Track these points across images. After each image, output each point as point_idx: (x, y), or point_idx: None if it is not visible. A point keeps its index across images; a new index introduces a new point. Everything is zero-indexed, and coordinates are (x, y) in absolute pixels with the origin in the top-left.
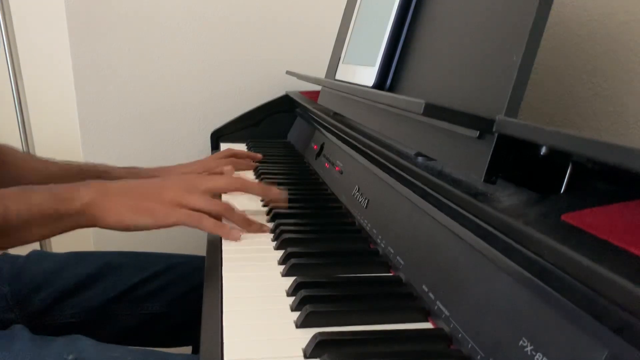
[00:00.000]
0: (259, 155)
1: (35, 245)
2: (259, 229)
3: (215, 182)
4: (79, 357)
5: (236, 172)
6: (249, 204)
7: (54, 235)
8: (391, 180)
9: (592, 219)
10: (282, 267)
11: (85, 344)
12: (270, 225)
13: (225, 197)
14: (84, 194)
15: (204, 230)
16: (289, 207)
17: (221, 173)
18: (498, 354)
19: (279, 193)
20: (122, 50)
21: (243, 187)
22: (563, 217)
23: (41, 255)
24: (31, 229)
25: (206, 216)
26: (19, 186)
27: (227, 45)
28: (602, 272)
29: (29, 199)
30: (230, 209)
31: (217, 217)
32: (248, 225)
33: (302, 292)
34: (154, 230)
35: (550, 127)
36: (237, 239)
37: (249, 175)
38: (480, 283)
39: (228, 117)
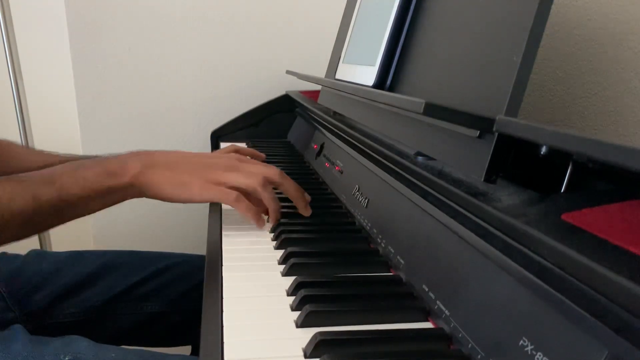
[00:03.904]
0: (263, 155)
1: (34, 245)
2: (276, 214)
3: (258, 168)
4: (76, 357)
5: None
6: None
7: (107, 207)
8: (391, 180)
9: (592, 219)
10: (282, 266)
11: (81, 344)
12: (270, 224)
13: None
14: (132, 166)
15: (237, 210)
16: (289, 207)
17: None
18: (498, 354)
19: (305, 205)
20: (123, 49)
21: (281, 185)
22: (563, 217)
23: (40, 255)
24: (87, 204)
25: (243, 198)
26: (71, 162)
27: (227, 45)
28: (602, 271)
29: (83, 176)
30: (265, 184)
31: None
32: (275, 204)
33: (302, 292)
34: (153, 229)
35: (550, 126)
36: (262, 226)
37: None
38: (481, 283)
39: (228, 117)
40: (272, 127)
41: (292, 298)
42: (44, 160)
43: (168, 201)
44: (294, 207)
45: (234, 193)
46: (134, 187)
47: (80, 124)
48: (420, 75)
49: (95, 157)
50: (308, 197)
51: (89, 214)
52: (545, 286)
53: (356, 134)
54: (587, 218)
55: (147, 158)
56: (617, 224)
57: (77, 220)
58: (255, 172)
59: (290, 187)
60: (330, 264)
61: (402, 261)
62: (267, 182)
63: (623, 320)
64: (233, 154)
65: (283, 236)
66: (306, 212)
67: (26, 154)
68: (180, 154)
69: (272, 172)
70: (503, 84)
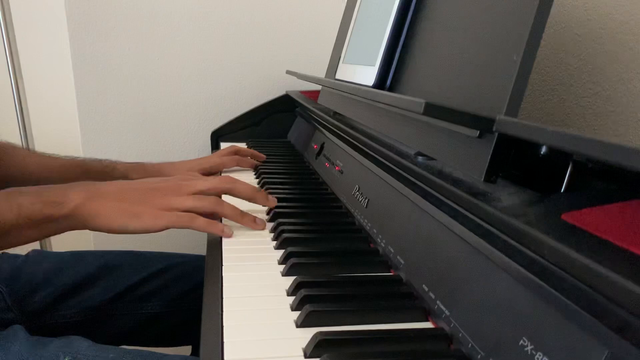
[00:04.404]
0: (263, 156)
1: (35, 245)
2: (252, 221)
3: (204, 183)
4: (76, 357)
5: (238, 172)
6: (249, 203)
7: (45, 237)
8: (391, 180)
9: (593, 219)
10: (282, 266)
11: (81, 345)
12: (270, 224)
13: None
14: (72, 197)
15: (197, 230)
16: (289, 207)
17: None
18: (498, 354)
19: (265, 197)
20: (123, 49)
21: (232, 190)
22: (563, 217)
23: (40, 255)
24: (21, 233)
25: (197, 216)
26: (6, 189)
27: (227, 45)
28: (602, 271)
29: (18, 203)
30: (220, 202)
31: (211, 215)
32: (241, 217)
33: (302, 292)
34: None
35: (550, 126)
36: (229, 235)
37: (249, 175)
38: (481, 282)
39: (228, 117)
40: (272, 127)
41: (292, 298)
42: (44, 163)
43: (118, 233)
44: (293, 207)
45: (187, 215)
46: (74, 218)
47: (80, 124)
48: (420, 75)
49: (98, 160)
50: (264, 193)
51: (25, 243)
52: (545, 286)
53: (356, 134)
54: (587, 218)
55: (90, 189)
56: (617, 224)
57: None
58: (204, 190)
59: (242, 189)
60: (330, 264)
61: (402, 261)
62: (220, 199)
63: (623, 320)
64: (179, 177)
65: (283, 236)
66: (269, 203)
67: (26, 156)
68: (125, 183)
69: (217, 182)
70: (503, 84)
